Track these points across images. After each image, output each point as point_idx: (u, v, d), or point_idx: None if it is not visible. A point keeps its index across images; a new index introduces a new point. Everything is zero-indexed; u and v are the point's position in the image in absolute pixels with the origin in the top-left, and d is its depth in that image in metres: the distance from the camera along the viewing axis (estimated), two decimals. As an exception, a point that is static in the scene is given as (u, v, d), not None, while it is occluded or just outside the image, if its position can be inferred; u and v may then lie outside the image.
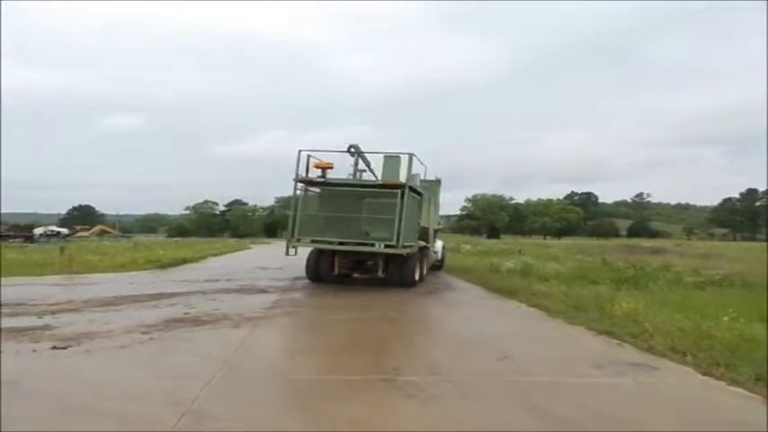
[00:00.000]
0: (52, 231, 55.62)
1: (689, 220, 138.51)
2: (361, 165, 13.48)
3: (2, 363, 5.08)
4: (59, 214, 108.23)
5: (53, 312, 8.07)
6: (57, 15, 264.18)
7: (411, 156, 12.54)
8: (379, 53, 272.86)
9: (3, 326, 6.87)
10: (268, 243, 50.77)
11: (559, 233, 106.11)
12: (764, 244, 50.79)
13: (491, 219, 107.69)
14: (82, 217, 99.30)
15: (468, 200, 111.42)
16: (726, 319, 7.11)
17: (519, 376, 5.07)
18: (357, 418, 3.89)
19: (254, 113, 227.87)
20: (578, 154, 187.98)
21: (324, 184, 12.85)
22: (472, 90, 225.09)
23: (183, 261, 20.25)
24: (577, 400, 4.39)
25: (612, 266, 17.36)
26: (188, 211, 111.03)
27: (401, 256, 12.12)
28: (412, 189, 12.49)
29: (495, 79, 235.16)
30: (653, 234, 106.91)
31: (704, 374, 5.13)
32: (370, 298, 10.65)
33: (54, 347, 5.81)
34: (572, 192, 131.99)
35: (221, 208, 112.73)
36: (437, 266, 17.27)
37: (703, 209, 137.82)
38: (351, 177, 13.23)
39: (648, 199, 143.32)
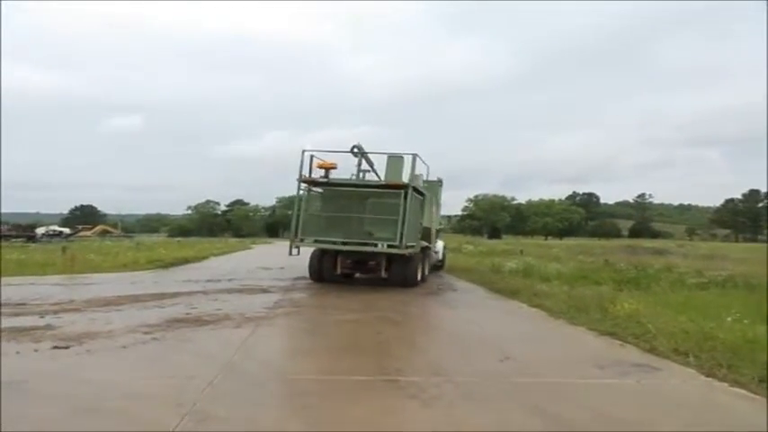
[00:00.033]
0: (54, 231, 55.77)
1: (691, 220, 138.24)
2: (365, 165, 13.47)
3: (3, 363, 5.07)
4: (61, 214, 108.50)
5: (55, 312, 8.07)
6: (57, 15, 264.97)
7: (414, 156, 12.60)
8: (381, 54, 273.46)
9: (4, 326, 6.87)
10: (270, 243, 50.82)
11: (561, 234, 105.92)
12: (767, 245, 50.71)
13: (493, 219, 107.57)
14: (84, 217, 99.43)
15: (469, 200, 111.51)
16: (729, 320, 7.08)
17: (522, 377, 5.05)
18: (359, 418, 3.88)
19: (254, 114, 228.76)
20: (580, 155, 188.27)
21: (327, 184, 12.85)
22: (474, 91, 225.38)
23: (185, 261, 20.27)
24: (580, 400, 4.37)
25: (614, 267, 17.31)
26: (190, 211, 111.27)
27: (404, 256, 12.13)
28: (415, 189, 12.51)
29: (497, 80, 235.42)
30: (655, 235, 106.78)
31: (707, 376, 5.11)
32: (371, 298, 10.64)
33: (55, 347, 5.80)
34: (574, 192, 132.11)
35: (223, 208, 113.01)
36: (438, 266, 17.28)
37: (705, 210, 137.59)
38: (354, 178, 13.23)
39: (650, 200, 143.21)
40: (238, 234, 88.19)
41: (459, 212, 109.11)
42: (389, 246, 11.85)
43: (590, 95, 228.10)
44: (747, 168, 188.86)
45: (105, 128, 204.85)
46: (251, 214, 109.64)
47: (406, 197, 11.98)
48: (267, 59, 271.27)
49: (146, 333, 6.65)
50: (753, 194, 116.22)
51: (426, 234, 14.34)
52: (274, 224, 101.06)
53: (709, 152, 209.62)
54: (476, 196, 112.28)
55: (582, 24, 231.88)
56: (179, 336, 6.63)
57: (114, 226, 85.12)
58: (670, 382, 5.00)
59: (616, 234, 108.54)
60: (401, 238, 11.75)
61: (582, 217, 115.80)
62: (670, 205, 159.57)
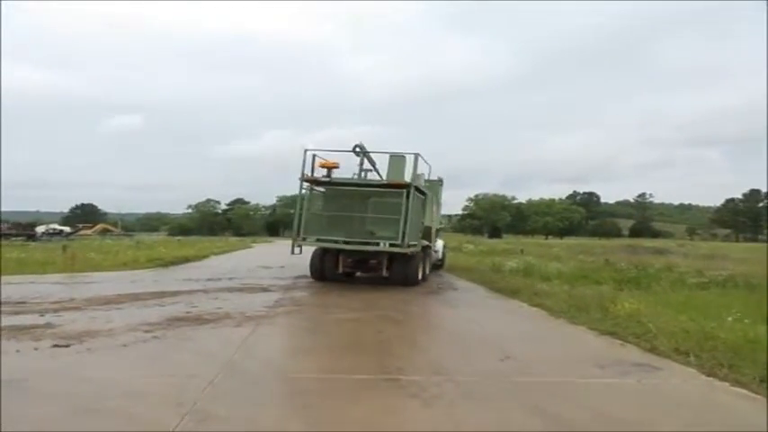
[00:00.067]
0: (55, 230, 55.79)
1: (691, 220, 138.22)
2: (367, 164, 13.51)
3: (3, 361, 5.07)
4: (62, 213, 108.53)
5: (55, 310, 8.07)
6: (57, 15, 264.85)
7: (417, 156, 12.66)
8: (381, 54, 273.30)
9: (4, 324, 6.86)
10: (270, 242, 50.85)
11: (561, 233, 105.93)
12: (767, 245, 50.68)
13: (493, 218, 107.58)
14: (84, 215, 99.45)
15: (470, 199, 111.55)
16: (730, 319, 7.08)
17: (522, 376, 5.04)
18: (360, 417, 3.88)
19: (254, 113, 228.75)
20: (580, 154, 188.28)
21: (330, 183, 12.89)
22: (474, 91, 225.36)
23: (186, 260, 20.26)
24: (581, 400, 4.37)
25: (615, 266, 17.32)
26: (190, 210, 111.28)
27: (405, 255, 12.17)
28: (417, 189, 12.55)
29: (497, 80, 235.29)
30: (655, 234, 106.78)
31: (708, 375, 5.10)
32: (372, 297, 10.64)
33: (56, 346, 5.80)
34: (574, 192, 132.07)
35: (223, 207, 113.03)
36: (438, 266, 17.30)
37: (706, 209, 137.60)
38: (356, 177, 13.26)
39: (651, 199, 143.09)
40: (239, 233, 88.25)
41: (460, 212, 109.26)
42: (391, 245, 11.88)
43: (590, 95, 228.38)
44: (748, 168, 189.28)
45: (105, 127, 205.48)
46: (251, 213, 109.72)
47: (408, 196, 12.01)
48: (267, 59, 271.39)
49: (146, 332, 6.65)
50: (753, 194, 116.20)
51: (427, 233, 14.36)
52: (275, 223, 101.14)
53: (709, 152, 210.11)
54: (476, 195, 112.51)
55: (582, 24, 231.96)
56: (179, 334, 6.62)
57: (114, 225, 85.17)
58: (671, 381, 4.99)
59: (616, 233, 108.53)
60: (403, 237, 11.79)
61: (582, 216, 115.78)
62: (670, 205, 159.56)
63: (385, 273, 12.61)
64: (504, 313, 9.44)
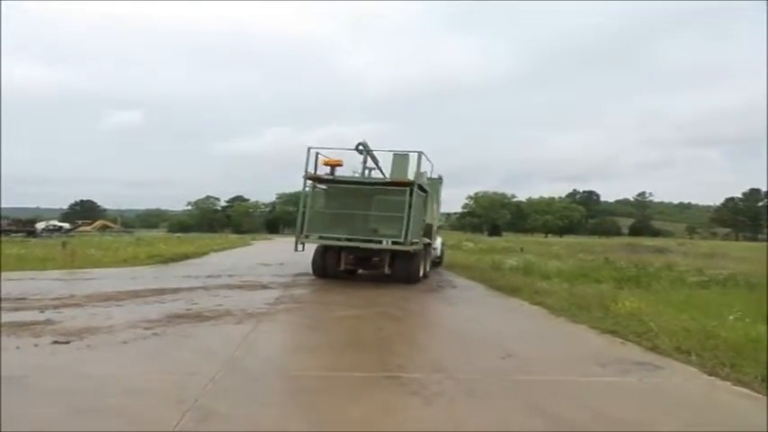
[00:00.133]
0: (54, 226, 55.78)
1: (691, 219, 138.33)
2: (370, 162, 13.54)
3: (3, 358, 5.05)
4: (61, 209, 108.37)
5: (55, 307, 8.05)
6: (57, 11, 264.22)
7: (420, 154, 12.71)
8: (381, 52, 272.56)
9: (4, 320, 6.85)
10: (270, 239, 50.81)
11: (561, 231, 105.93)
12: (767, 244, 50.68)
13: (493, 216, 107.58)
14: (84, 212, 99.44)
15: (469, 197, 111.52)
16: (731, 318, 7.07)
17: (523, 375, 5.03)
18: (362, 415, 3.86)
19: (254, 110, 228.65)
20: (580, 153, 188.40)
21: (333, 181, 12.93)
22: (474, 89, 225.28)
23: (185, 256, 20.27)
24: (582, 399, 4.36)
25: (615, 265, 17.33)
26: (189, 207, 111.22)
27: (407, 252, 12.21)
28: (419, 187, 12.58)
29: (497, 80, 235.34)
30: (655, 233, 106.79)
31: (709, 374, 5.09)
32: (372, 294, 10.63)
33: (56, 342, 5.79)
34: (574, 190, 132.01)
35: (223, 204, 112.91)
36: (436, 263, 17.33)
37: (705, 208, 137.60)
38: (358, 175, 13.29)
39: (651, 198, 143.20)
40: (238, 230, 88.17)
41: (460, 210, 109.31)
42: (394, 242, 11.95)
43: (590, 95, 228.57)
44: (747, 167, 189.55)
45: (105, 124, 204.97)
46: (251, 210, 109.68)
47: (411, 194, 12.07)
48: (267, 56, 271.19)
49: (146, 328, 6.63)
50: (753, 193, 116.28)
51: (428, 231, 14.41)
52: (274, 220, 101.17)
53: (709, 151, 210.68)
54: (476, 193, 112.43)
55: (582, 24, 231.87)
56: (180, 331, 6.61)
57: (114, 221, 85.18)
58: (672, 380, 4.98)
59: (616, 232, 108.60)
60: (406, 235, 11.86)
61: (582, 215, 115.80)
62: (670, 204, 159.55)
63: (387, 270, 12.66)
64: (504, 311, 9.42)
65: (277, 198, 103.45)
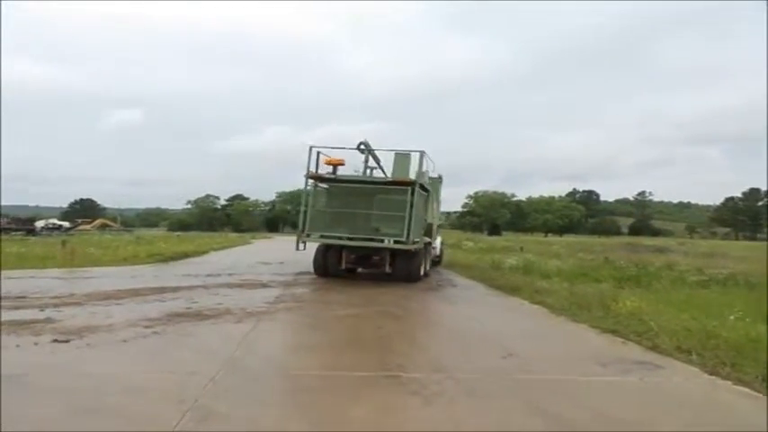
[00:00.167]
0: (54, 224, 55.79)
1: (690, 218, 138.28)
2: (371, 162, 13.57)
3: (3, 356, 5.04)
4: (61, 208, 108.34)
5: (55, 305, 8.04)
6: (57, 10, 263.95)
7: (422, 153, 12.76)
8: (381, 51, 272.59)
9: (4, 319, 6.84)
10: (269, 238, 50.79)
11: (561, 231, 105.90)
12: (766, 243, 50.70)
13: (493, 216, 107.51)
14: (83, 210, 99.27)
15: (469, 197, 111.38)
16: (731, 318, 7.06)
17: (524, 374, 5.03)
18: (362, 415, 3.85)
19: (254, 109, 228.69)
20: (580, 153, 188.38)
21: (335, 180, 12.96)
22: (474, 89, 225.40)
23: (185, 255, 20.25)
24: (582, 398, 4.35)
25: (615, 264, 17.32)
26: (189, 206, 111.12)
27: (409, 251, 12.25)
28: (421, 186, 12.59)
29: (497, 79, 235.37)
30: (655, 232, 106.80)
31: (710, 374, 5.09)
32: (372, 293, 10.63)
33: (55, 341, 5.78)
34: (574, 189, 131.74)
35: (222, 202, 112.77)
36: (435, 262, 17.36)
37: (705, 208, 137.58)
38: (360, 174, 13.32)
39: (650, 197, 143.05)
40: (238, 229, 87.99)
41: (460, 209, 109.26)
42: (396, 241, 11.99)
43: (590, 95, 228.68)
44: (747, 167, 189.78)
45: (105, 122, 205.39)
46: (251, 209, 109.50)
47: (413, 194, 12.11)
48: (267, 56, 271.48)
49: (146, 327, 6.63)
50: (753, 193, 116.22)
51: (429, 230, 14.46)
52: (274, 219, 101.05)
53: (709, 151, 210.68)
54: (476, 193, 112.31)
55: (582, 24, 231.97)
56: (180, 330, 6.60)
57: (114, 220, 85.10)
58: (673, 380, 4.98)
59: (616, 231, 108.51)
60: (408, 234, 11.89)
61: (582, 214, 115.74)
62: (670, 203, 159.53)
63: (388, 269, 12.70)
64: (504, 310, 9.42)
65: (277, 197, 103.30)
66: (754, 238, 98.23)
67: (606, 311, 8.18)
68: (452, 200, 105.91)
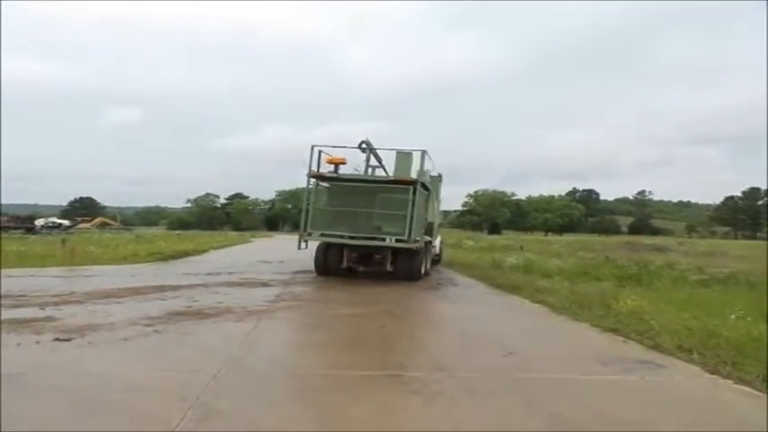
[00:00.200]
0: (54, 223, 55.64)
1: (690, 217, 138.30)
2: (373, 161, 13.58)
3: (4, 355, 5.04)
4: (60, 206, 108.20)
5: (55, 304, 8.04)
6: (57, 7, 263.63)
7: (423, 153, 12.78)
8: (381, 51, 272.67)
9: (4, 317, 6.84)
10: (269, 237, 50.76)
11: (561, 230, 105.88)
12: (766, 242, 50.71)
13: (492, 215, 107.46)
14: (83, 209, 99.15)
15: (469, 195, 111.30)
16: (732, 317, 7.07)
17: (524, 373, 5.03)
18: (363, 414, 3.85)
19: (254, 107, 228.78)
20: (581, 152, 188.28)
21: (337, 179, 12.98)
22: (474, 88, 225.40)
23: (185, 254, 20.23)
24: (583, 397, 4.35)
25: (615, 263, 17.32)
26: (189, 204, 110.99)
27: (410, 250, 12.26)
28: (422, 185, 12.60)
29: (497, 78, 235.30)
30: (654, 231, 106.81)
31: (711, 373, 5.09)
32: (373, 293, 10.63)
33: (57, 339, 5.78)
34: (574, 188, 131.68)
35: (222, 201, 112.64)
36: (435, 261, 17.36)
37: (705, 207, 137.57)
38: (361, 173, 13.34)
39: (650, 196, 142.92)
40: (238, 227, 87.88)
41: (459, 208, 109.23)
42: (397, 240, 12.01)
43: (590, 94, 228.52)
44: (747, 166, 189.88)
45: (105, 120, 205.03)
46: (250, 208, 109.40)
47: (414, 192, 12.13)
48: (267, 55, 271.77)
49: (147, 326, 6.62)
50: (752, 192, 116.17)
51: (429, 229, 14.48)
52: (274, 218, 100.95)
53: (709, 150, 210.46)
54: (476, 192, 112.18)
55: (582, 24, 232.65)
56: (181, 329, 6.60)
57: (113, 218, 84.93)
58: (674, 379, 4.98)
59: (616, 231, 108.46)
60: (409, 232, 11.91)
61: (582, 213, 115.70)
62: (669, 202, 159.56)
63: (389, 267, 12.72)
64: (505, 309, 9.42)
65: (276, 195, 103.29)
66: (753, 238, 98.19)
67: (607, 310, 8.18)
68: (452, 199, 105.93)
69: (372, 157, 13.58)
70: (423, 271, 13.22)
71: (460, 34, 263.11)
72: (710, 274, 13.68)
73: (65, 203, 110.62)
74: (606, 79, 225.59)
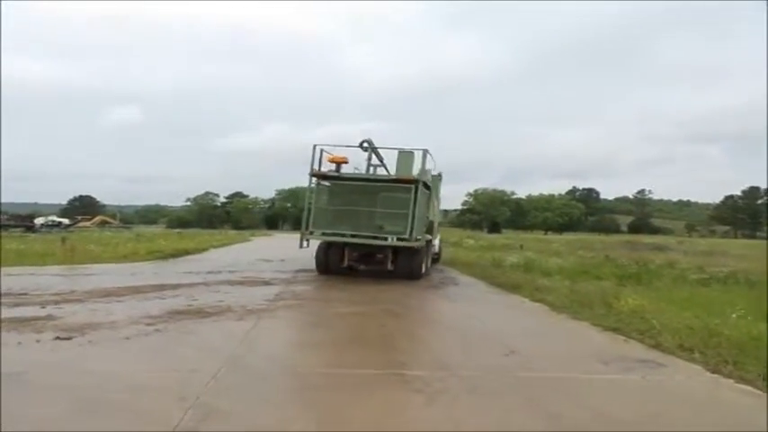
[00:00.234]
0: (53, 221, 55.70)
1: (690, 217, 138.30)
2: (374, 160, 13.59)
3: (4, 354, 5.03)
4: (60, 205, 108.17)
5: (56, 302, 8.03)
6: (56, 6, 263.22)
7: (425, 152, 12.80)
8: (381, 50, 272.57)
9: (5, 316, 6.83)
10: (269, 235, 50.75)
11: (561, 228, 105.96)
12: (766, 242, 50.71)
13: (492, 213, 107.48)
14: (82, 207, 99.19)
15: (469, 194, 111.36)
16: (733, 316, 7.06)
17: (525, 372, 5.02)
18: (366, 413, 3.85)
19: (254, 106, 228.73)
20: (580, 150, 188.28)
21: (339, 178, 12.99)
22: (474, 87, 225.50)
23: (185, 252, 20.22)
24: (585, 396, 4.35)
25: (615, 262, 17.31)
26: (189, 203, 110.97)
27: (411, 249, 12.28)
28: (424, 184, 12.62)
29: (497, 77, 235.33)
30: (654, 230, 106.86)
31: (713, 372, 5.08)
32: (373, 291, 10.62)
33: (57, 338, 5.77)
34: (573, 187, 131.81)
35: (222, 200, 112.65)
36: (434, 259, 17.37)
37: (705, 206, 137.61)
38: (362, 172, 13.36)
39: (650, 195, 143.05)
40: (238, 226, 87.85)
41: (459, 207, 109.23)
42: (399, 239, 12.02)
43: (590, 93, 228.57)
44: (747, 165, 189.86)
45: (105, 119, 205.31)
46: (250, 206, 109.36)
47: (416, 191, 12.14)
48: (267, 54, 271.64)
49: (148, 324, 6.62)
50: (752, 191, 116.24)
51: (430, 228, 14.49)
52: (273, 216, 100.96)
53: (709, 149, 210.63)
54: (476, 190, 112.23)
55: (582, 23, 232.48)
56: (181, 328, 6.59)
57: (113, 217, 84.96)
58: (675, 378, 4.97)
59: (615, 229, 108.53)
60: (411, 231, 11.92)
61: (581, 212, 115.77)
62: (669, 201, 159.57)
63: (390, 266, 12.73)
64: (505, 308, 9.41)
65: (276, 194, 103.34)
66: (753, 237, 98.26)
67: (608, 309, 8.17)
68: (452, 197, 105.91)
69: (374, 156, 13.59)
70: (423, 270, 13.24)
71: (460, 34, 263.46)
72: (710, 274, 13.67)
73: (64, 202, 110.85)
74: (606, 78, 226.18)
